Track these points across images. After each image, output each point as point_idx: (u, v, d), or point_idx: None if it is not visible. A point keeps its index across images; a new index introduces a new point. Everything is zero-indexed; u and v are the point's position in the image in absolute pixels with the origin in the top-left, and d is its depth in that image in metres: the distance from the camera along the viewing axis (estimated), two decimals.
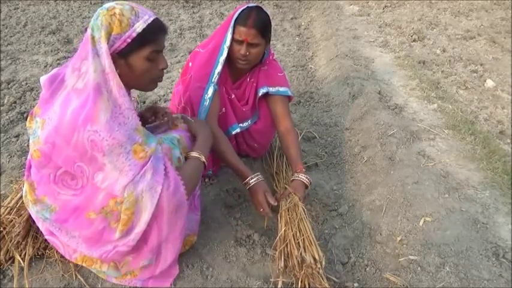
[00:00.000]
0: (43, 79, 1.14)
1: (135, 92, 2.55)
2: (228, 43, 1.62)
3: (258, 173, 1.59)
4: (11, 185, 1.66)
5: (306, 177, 1.63)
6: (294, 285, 1.32)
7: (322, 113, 2.67)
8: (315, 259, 1.31)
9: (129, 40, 1.08)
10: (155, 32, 1.13)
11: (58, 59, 3.27)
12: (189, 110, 1.67)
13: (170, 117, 1.42)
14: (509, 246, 1.43)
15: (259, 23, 1.57)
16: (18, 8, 4.81)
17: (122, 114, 1.07)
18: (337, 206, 1.82)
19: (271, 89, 1.81)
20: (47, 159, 1.11)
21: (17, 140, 2.11)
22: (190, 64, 1.76)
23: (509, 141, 2.25)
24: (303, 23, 4.88)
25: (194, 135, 1.43)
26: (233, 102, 1.82)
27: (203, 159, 1.32)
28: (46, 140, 1.08)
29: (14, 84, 2.77)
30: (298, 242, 1.38)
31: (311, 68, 3.49)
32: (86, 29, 4.02)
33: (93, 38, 1.06)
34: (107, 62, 1.05)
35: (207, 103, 1.64)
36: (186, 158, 1.33)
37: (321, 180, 2.00)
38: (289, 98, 1.88)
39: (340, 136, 2.38)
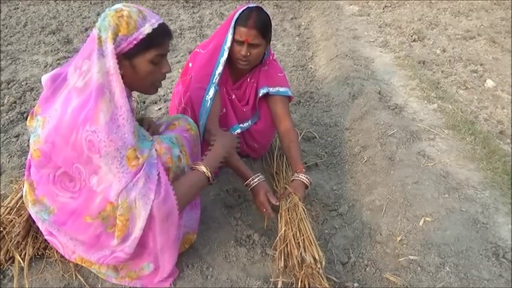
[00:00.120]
0: (45, 78, 1.15)
1: (135, 93, 2.55)
2: (228, 44, 1.62)
3: (259, 174, 1.59)
4: (11, 185, 1.66)
5: (306, 177, 1.63)
6: (294, 285, 1.32)
7: (322, 113, 2.67)
8: (315, 259, 1.31)
9: (135, 42, 1.09)
10: (161, 36, 1.14)
11: (58, 59, 3.27)
12: (190, 110, 1.67)
13: (155, 127, 1.42)
14: (509, 246, 1.43)
15: (259, 23, 1.57)
16: (18, 8, 4.81)
17: (122, 116, 1.08)
18: (337, 206, 1.82)
19: (272, 89, 1.81)
20: (46, 159, 1.11)
21: (17, 140, 2.11)
22: (190, 65, 1.76)
23: (509, 141, 2.25)
24: (303, 23, 4.88)
25: (208, 143, 1.43)
26: (233, 102, 1.82)
27: (208, 174, 1.29)
28: (46, 139, 1.08)
29: (14, 84, 2.77)
30: (298, 242, 1.38)
31: (311, 68, 3.49)
32: (86, 29, 4.06)
33: (99, 38, 1.07)
34: (112, 62, 1.06)
35: (208, 104, 1.64)
36: (192, 168, 1.32)
37: (321, 180, 2.00)
38: (289, 98, 1.88)
39: (340, 136, 2.38)
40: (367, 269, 1.48)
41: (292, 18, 5.04)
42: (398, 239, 1.54)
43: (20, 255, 1.31)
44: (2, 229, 1.33)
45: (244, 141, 1.93)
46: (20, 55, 3.38)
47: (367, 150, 2.12)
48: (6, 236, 1.32)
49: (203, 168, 1.29)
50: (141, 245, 1.18)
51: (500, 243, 1.44)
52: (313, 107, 2.75)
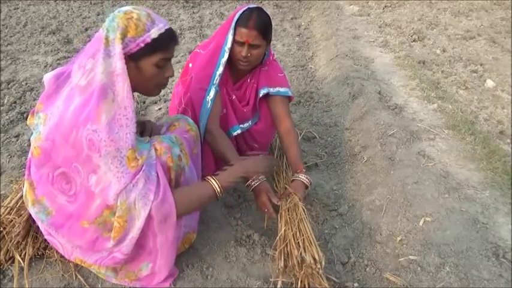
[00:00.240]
0: (47, 76, 1.15)
1: (134, 93, 2.55)
2: (229, 45, 1.62)
3: (260, 174, 1.58)
4: (11, 185, 1.66)
5: (306, 178, 1.63)
6: (294, 285, 1.32)
7: (322, 113, 2.67)
8: (314, 259, 1.31)
9: (142, 44, 1.10)
10: (168, 40, 1.16)
11: (58, 59, 3.27)
12: (190, 111, 1.67)
13: (157, 131, 1.42)
14: (509, 246, 1.43)
15: (260, 24, 1.57)
16: (18, 8, 4.82)
17: (126, 116, 1.08)
18: (337, 206, 1.82)
19: (272, 90, 1.80)
20: (46, 157, 1.11)
21: (17, 140, 2.11)
22: (190, 65, 1.76)
23: (509, 141, 2.25)
24: (303, 23, 4.88)
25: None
26: (234, 103, 1.82)
27: (218, 190, 1.26)
28: (47, 136, 1.09)
29: (14, 84, 2.78)
30: (298, 242, 1.38)
31: (311, 68, 3.49)
32: (86, 29, 4.06)
33: (107, 38, 1.07)
34: (119, 63, 1.07)
35: (209, 105, 1.63)
36: (203, 178, 1.31)
37: (321, 180, 2.00)
38: (289, 98, 1.88)
39: (340, 136, 2.38)
40: (367, 269, 1.48)
41: (292, 18, 5.04)
42: (398, 239, 1.54)
43: (20, 255, 1.31)
44: (2, 229, 1.33)
45: (244, 141, 1.93)
46: (20, 55, 3.38)
47: (367, 150, 2.12)
48: (6, 236, 1.32)
49: (213, 181, 1.27)
50: (140, 245, 1.18)
51: (500, 243, 1.44)
52: (313, 107, 2.75)
